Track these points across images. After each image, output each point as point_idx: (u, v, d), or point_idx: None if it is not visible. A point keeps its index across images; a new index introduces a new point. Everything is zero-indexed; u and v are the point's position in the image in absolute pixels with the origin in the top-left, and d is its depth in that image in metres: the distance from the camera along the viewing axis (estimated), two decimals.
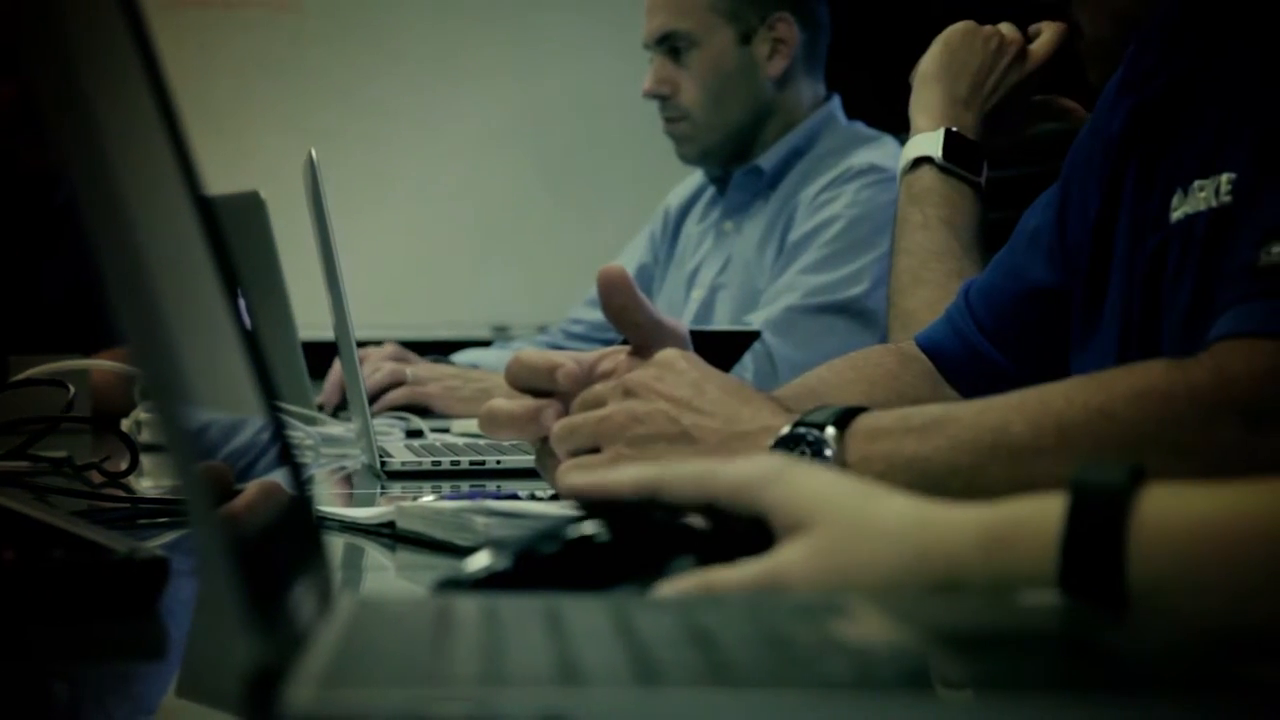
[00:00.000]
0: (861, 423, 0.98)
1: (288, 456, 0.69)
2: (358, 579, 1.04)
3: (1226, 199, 1.05)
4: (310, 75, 3.89)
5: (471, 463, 1.55)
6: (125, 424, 1.78)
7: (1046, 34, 1.61)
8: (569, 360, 1.10)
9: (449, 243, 3.97)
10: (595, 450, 1.04)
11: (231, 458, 0.61)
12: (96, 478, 1.46)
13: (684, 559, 0.68)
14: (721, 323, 2.47)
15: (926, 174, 1.59)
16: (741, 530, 0.69)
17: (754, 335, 2.22)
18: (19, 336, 2.29)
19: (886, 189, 2.31)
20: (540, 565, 0.68)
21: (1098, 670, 0.54)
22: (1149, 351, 1.10)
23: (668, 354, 1.06)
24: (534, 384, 1.11)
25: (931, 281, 1.51)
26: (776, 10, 2.50)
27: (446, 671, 0.51)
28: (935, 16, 1.71)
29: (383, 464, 1.55)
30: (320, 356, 2.21)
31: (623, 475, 0.72)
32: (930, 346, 1.36)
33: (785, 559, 0.66)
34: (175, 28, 3.71)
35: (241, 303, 0.67)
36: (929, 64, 1.64)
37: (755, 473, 0.69)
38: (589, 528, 0.69)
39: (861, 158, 2.43)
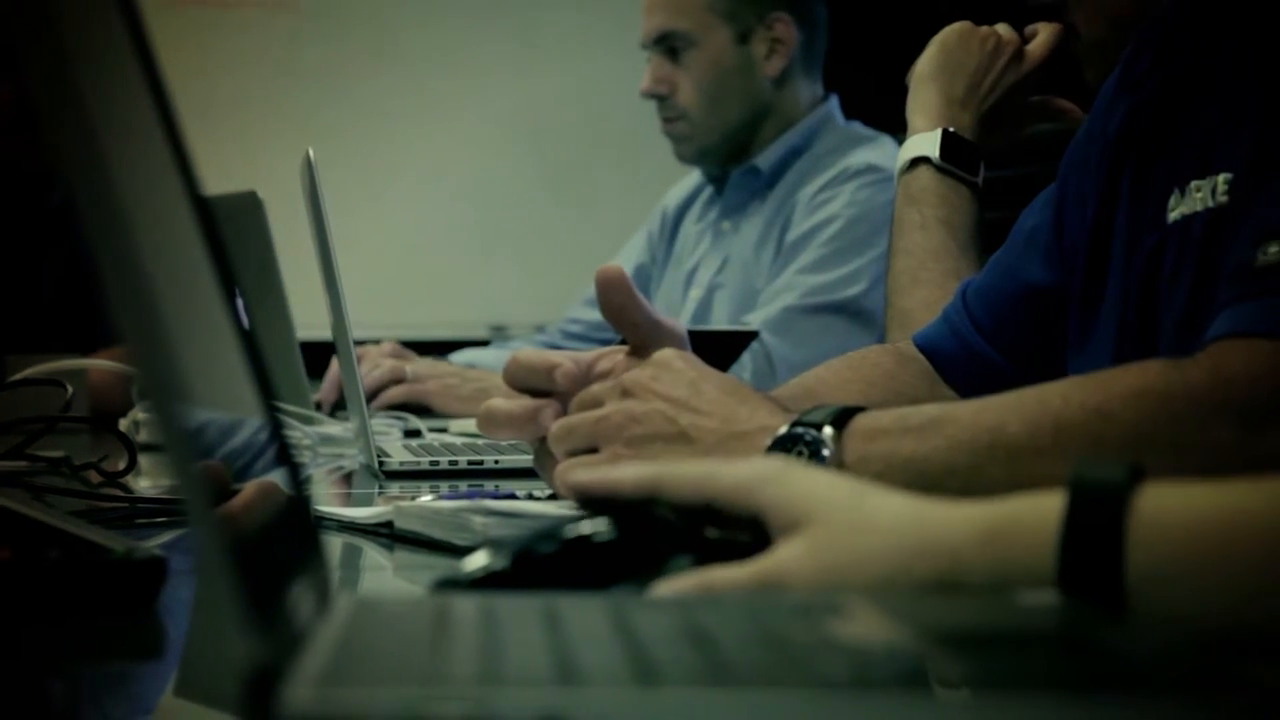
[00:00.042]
0: (859, 423, 0.98)
1: (286, 456, 0.69)
2: (356, 579, 1.04)
3: (1223, 199, 1.05)
4: (308, 75, 3.89)
5: (469, 462, 1.55)
6: (123, 424, 1.78)
7: (1043, 35, 1.61)
8: (567, 360, 1.10)
9: (447, 242, 3.97)
10: (593, 450, 1.04)
11: (229, 457, 0.61)
12: (94, 477, 1.46)
13: (682, 558, 0.69)
14: (719, 322, 2.47)
15: (924, 174, 1.59)
16: (739, 530, 0.69)
17: (752, 335, 2.22)
18: (17, 336, 2.29)
19: (884, 189, 2.31)
20: (538, 565, 0.68)
21: (1096, 670, 0.54)
22: (1146, 351, 1.10)
23: (665, 354, 1.06)
24: (532, 384, 1.11)
25: (929, 281, 1.51)
26: (774, 10, 2.50)
27: (444, 671, 0.51)
28: (932, 17, 1.71)
29: (381, 464, 1.55)
30: (318, 356, 2.20)
31: (623, 474, 0.72)
32: (928, 346, 1.37)
33: (783, 557, 0.66)
34: (173, 27, 3.71)
35: (239, 302, 0.67)
36: (926, 64, 1.64)
37: (754, 473, 0.69)
38: (587, 527, 0.69)
39: (859, 157, 2.44)
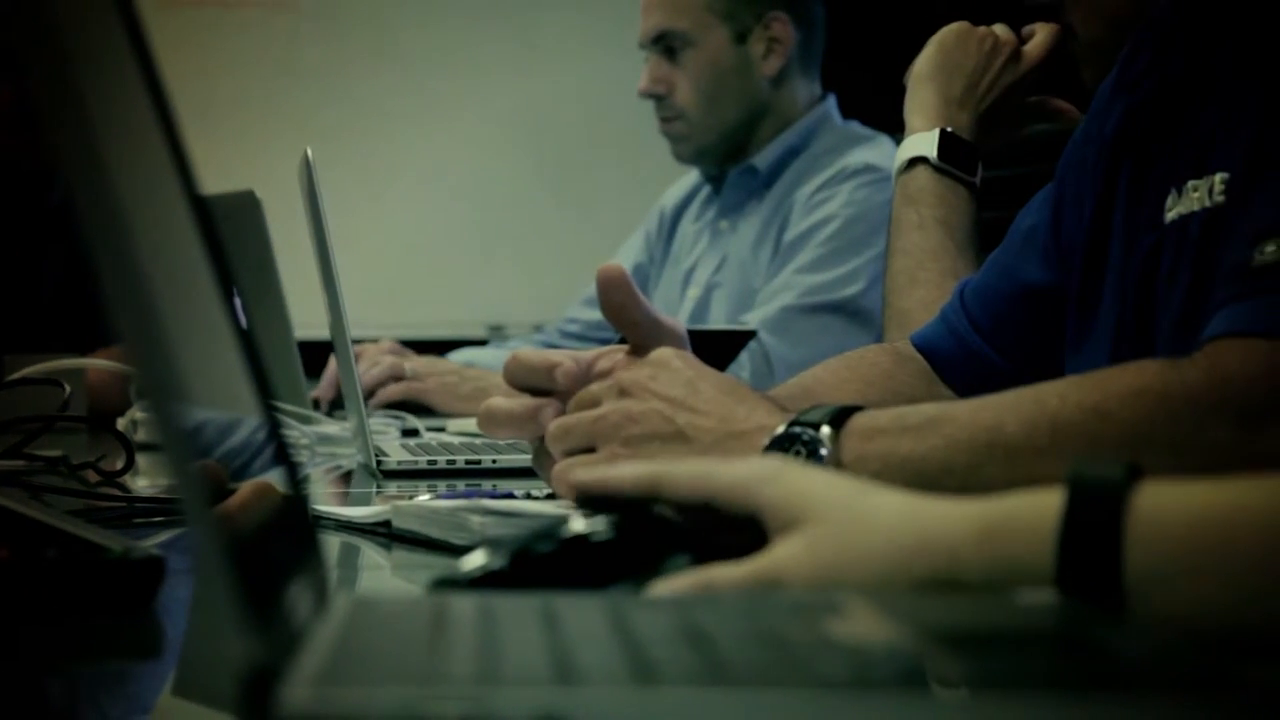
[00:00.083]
0: (857, 422, 0.98)
1: (283, 455, 0.69)
2: (353, 578, 1.04)
3: (1220, 199, 1.05)
4: (306, 74, 3.89)
5: (467, 462, 1.55)
6: (121, 423, 1.78)
7: (1040, 35, 1.62)
8: (567, 359, 1.10)
9: (445, 241, 3.97)
10: (591, 450, 1.04)
11: (227, 457, 0.61)
12: (92, 477, 1.46)
13: (680, 557, 0.69)
14: (717, 322, 2.47)
15: (921, 174, 1.59)
16: (738, 529, 0.69)
17: (750, 334, 2.22)
18: (15, 336, 2.28)
19: (882, 189, 2.31)
20: (536, 564, 0.68)
21: (1094, 669, 0.54)
22: (1143, 351, 1.10)
23: (662, 353, 1.06)
24: (532, 383, 1.11)
25: (927, 281, 1.52)
26: (772, 9, 2.50)
27: (442, 671, 0.51)
28: (930, 17, 1.71)
29: (379, 463, 1.55)
30: (316, 356, 2.21)
31: (622, 473, 0.72)
32: (925, 346, 1.37)
33: (781, 556, 0.66)
34: (172, 27, 3.71)
35: (237, 302, 0.67)
36: (924, 64, 1.64)
37: (752, 472, 0.70)
38: (585, 526, 0.69)
39: (857, 157, 2.44)
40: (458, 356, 2.62)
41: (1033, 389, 0.97)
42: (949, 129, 1.59)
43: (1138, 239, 1.15)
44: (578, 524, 0.69)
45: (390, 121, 3.93)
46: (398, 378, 2.34)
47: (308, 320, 2.06)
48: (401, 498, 1.17)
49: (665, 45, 2.51)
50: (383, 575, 1.08)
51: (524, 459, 1.20)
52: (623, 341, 1.12)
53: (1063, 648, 0.57)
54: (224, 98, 3.77)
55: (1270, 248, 0.97)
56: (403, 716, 0.46)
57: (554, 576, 0.68)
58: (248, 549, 0.53)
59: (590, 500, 0.72)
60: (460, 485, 1.47)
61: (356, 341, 1.87)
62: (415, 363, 2.39)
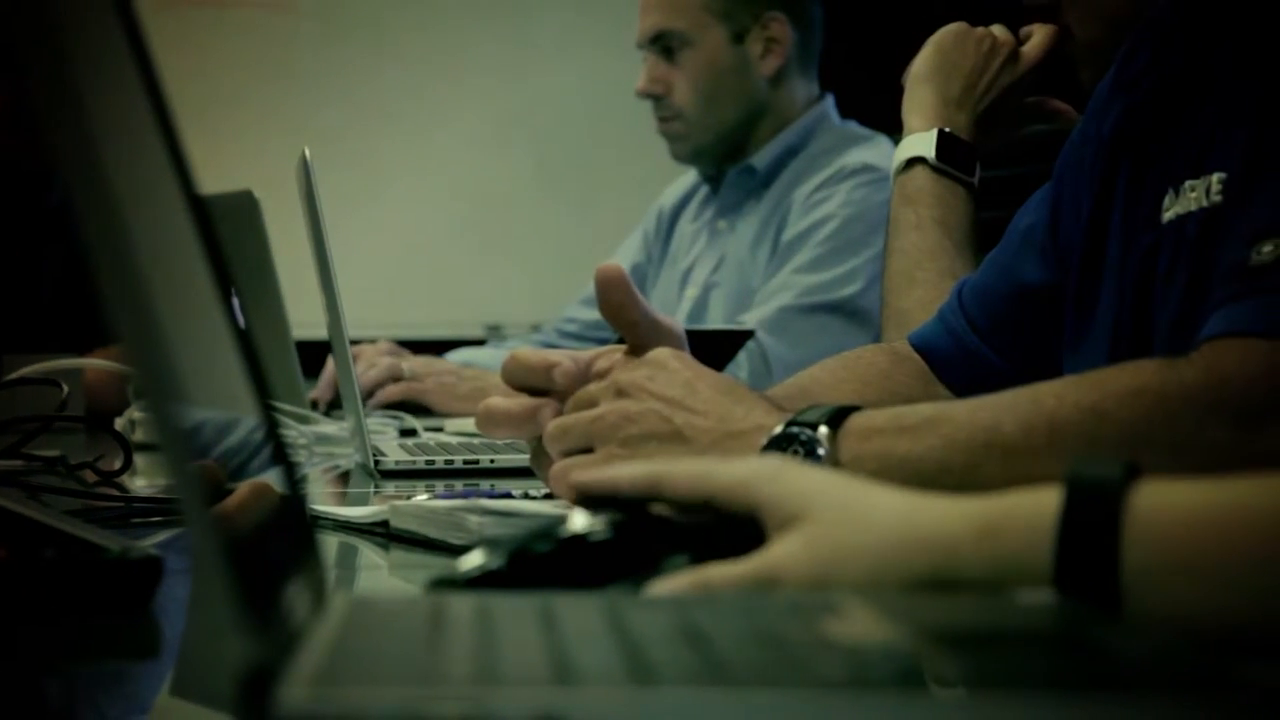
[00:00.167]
0: (854, 422, 0.98)
1: (281, 455, 0.69)
2: (351, 578, 1.04)
3: (1217, 199, 1.05)
4: (304, 74, 3.89)
5: (465, 462, 1.55)
6: (119, 423, 1.78)
7: (1038, 36, 1.62)
8: (566, 359, 1.10)
9: (443, 242, 3.97)
10: (588, 450, 1.04)
11: (225, 456, 0.61)
12: (90, 477, 1.46)
13: (678, 557, 0.69)
14: (715, 322, 2.47)
15: (920, 174, 1.59)
16: (737, 528, 0.69)
17: (748, 334, 2.22)
18: (13, 335, 2.28)
19: (880, 189, 2.31)
20: (534, 564, 0.68)
21: (1092, 669, 0.54)
22: (1141, 351, 1.10)
23: (660, 353, 1.06)
24: (530, 382, 1.11)
25: (925, 281, 1.52)
26: (769, 9, 2.50)
27: (440, 671, 0.51)
28: (928, 17, 1.71)
29: (376, 463, 1.55)
30: (314, 356, 2.21)
31: (622, 473, 0.72)
32: (923, 345, 1.37)
33: (779, 553, 0.66)
34: (170, 27, 3.70)
35: (235, 302, 0.67)
36: (922, 65, 1.64)
37: (751, 471, 0.70)
38: (583, 526, 0.69)
39: (855, 157, 2.44)
40: (455, 356, 2.62)
41: (1030, 389, 0.97)
42: (947, 129, 1.59)
43: (1135, 239, 1.15)
44: (576, 524, 0.69)
45: (388, 121, 3.93)
46: (396, 378, 2.34)
47: (305, 320, 2.06)
48: (399, 498, 1.17)
49: (663, 45, 2.51)
50: (380, 575, 1.08)
51: (522, 459, 1.20)
52: (621, 341, 1.12)
53: (1060, 647, 0.57)
54: (222, 98, 3.77)
55: (1268, 247, 0.97)
56: (401, 716, 0.46)
57: (552, 576, 0.68)
58: (245, 549, 0.53)
59: (589, 500, 0.72)
60: (458, 485, 1.47)
61: (354, 342, 1.87)
62: (413, 363, 2.39)
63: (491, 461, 1.54)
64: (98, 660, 0.78)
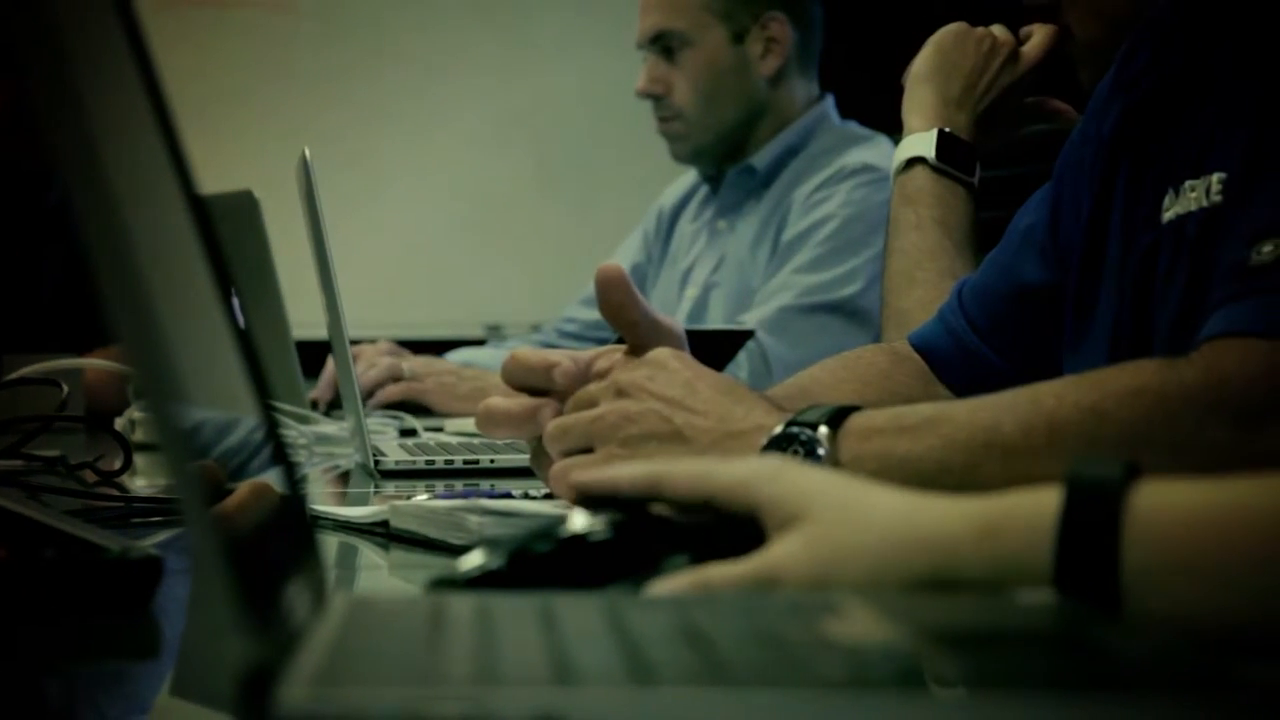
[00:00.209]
0: (854, 422, 0.98)
1: (281, 455, 0.69)
2: (351, 578, 1.04)
3: (1217, 199, 1.05)
4: (304, 74, 3.89)
5: (465, 461, 1.55)
6: (119, 423, 1.78)
7: (1038, 36, 1.62)
8: (566, 359, 1.10)
9: (443, 241, 3.97)
10: (588, 450, 1.04)
11: (225, 456, 0.61)
12: (90, 477, 1.46)
13: (678, 557, 0.69)
14: (715, 322, 2.47)
15: (920, 174, 1.59)
16: (737, 528, 0.69)
17: (748, 334, 2.22)
18: (13, 335, 2.28)
19: (880, 188, 2.31)
20: (534, 564, 0.68)
21: (1093, 669, 0.54)
22: (1140, 351, 1.10)
23: (660, 353, 1.06)
24: (530, 382, 1.11)
25: (925, 281, 1.52)
26: (769, 9, 2.50)
27: (440, 671, 0.51)
28: (928, 17, 1.71)
29: (376, 463, 1.55)
30: (314, 355, 2.21)
31: (622, 473, 0.72)
32: (923, 345, 1.37)
33: (779, 553, 0.66)
34: (170, 27, 3.70)
35: (235, 301, 0.67)
36: (922, 65, 1.64)
37: (751, 471, 0.70)
38: (583, 526, 0.69)
39: (855, 157, 2.44)
40: (455, 356, 2.62)
41: (1030, 389, 0.97)
42: (947, 129, 1.59)
43: (1135, 239, 1.15)
44: (576, 524, 0.69)
45: (388, 121, 3.93)
46: (395, 378, 2.34)
47: (305, 320, 2.06)
48: (399, 498, 1.17)
49: (663, 45, 2.51)
50: (380, 575, 1.08)
51: (522, 459, 1.20)
52: (620, 341, 1.12)
53: (1060, 647, 0.57)
54: (222, 97, 3.77)
55: (1267, 247, 0.97)
56: (401, 716, 0.47)
57: (552, 576, 0.68)
58: (245, 549, 0.53)
59: (589, 500, 0.72)
60: (458, 485, 1.47)
61: (354, 341, 1.87)
62: (413, 363, 2.39)
63: (491, 461, 1.54)
64: (98, 660, 0.78)
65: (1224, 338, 0.95)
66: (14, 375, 1.77)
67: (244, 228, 2.04)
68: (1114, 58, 1.23)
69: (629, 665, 0.51)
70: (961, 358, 1.34)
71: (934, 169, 1.58)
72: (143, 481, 1.49)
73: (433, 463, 1.55)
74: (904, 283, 1.54)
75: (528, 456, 1.13)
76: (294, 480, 0.69)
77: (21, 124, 2.48)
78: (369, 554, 1.10)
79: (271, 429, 0.68)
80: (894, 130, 1.69)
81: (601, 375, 1.09)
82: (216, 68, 3.81)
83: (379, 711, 0.47)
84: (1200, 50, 1.13)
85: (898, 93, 1.67)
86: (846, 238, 2.36)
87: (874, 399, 1.23)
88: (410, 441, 1.83)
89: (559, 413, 1.08)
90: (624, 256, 2.69)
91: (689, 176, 2.71)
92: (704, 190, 2.65)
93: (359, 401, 1.61)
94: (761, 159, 2.52)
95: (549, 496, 1.11)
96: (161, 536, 1.14)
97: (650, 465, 0.72)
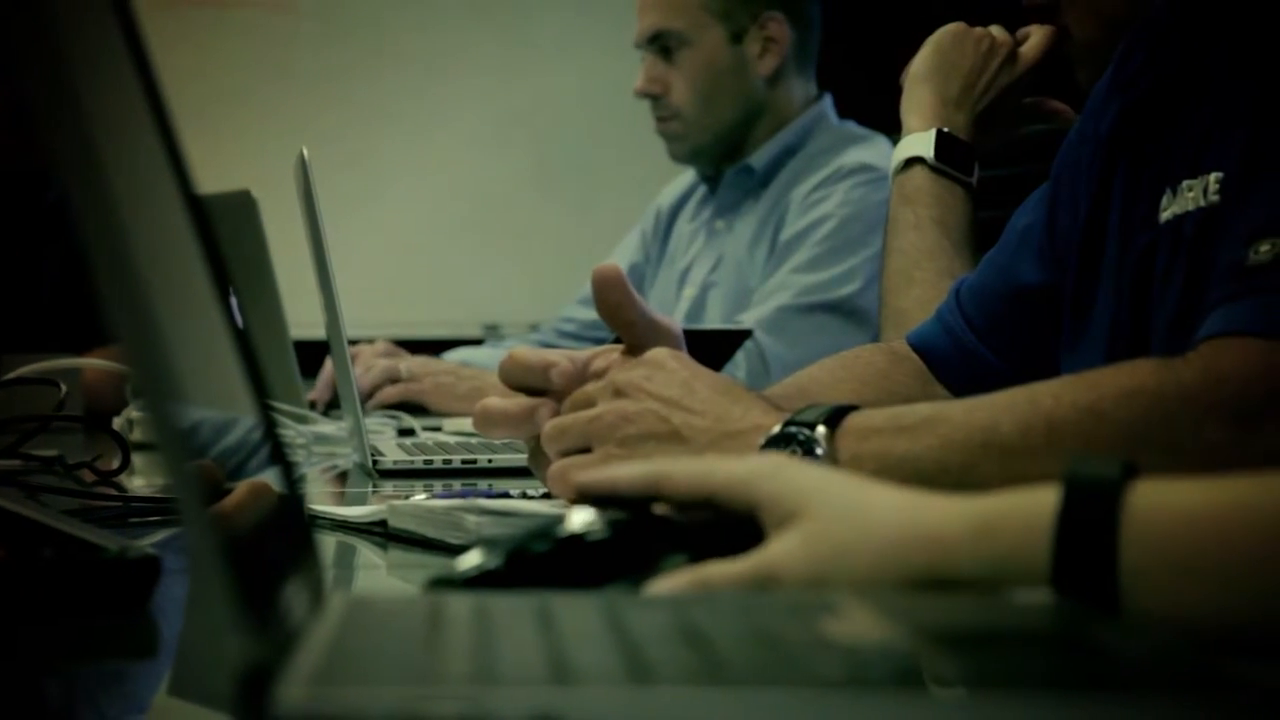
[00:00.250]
0: (852, 422, 0.98)
1: (279, 455, 0.69)
2: (349, 577, 1.04)
3: (1214, 198, 1.05)
4: (302, 74, 3.89)
5: (463, 461, 1.55)
6: (117, 423, 1.78)
7: (1036, 37, 1.62)
8: (563, 359, 1.10)
9: (441, 241, 3.97)
10: (586, 450, 1.04)
11: (223, 456, 0.61)
12: (88, 476, 1.46)
13: (676, 556, 0.69)
14: (713, 321, 2.47)
15: (918, 174, 1.59)
16: (736, 526, 0.69)
17: (746, 334, 2.22)
18: (11, 335, 2.28)
19: (878, 188, 2.31)
20: (532, 564, 0.68)
21: (1091, 668, 0.54)
22: (1138, 351, 1.10)
23: (657, 353, 1.06)
24: (528, 382, 1.11)
25: (923, 281, 1.52)
26: (768, 9, 2.50)
27: (438, 670, 0.51)
28: (927, 17, 1.71)
29: (374, 462, 1.55)
30: (312, 355, 2.20)
31: (624, 472, 0.72)
32: (921, 345, 1.37)
33: (777, 551, 0.66)
34: (169, 27, 3.70)
35: (233, 301, 0.67)
36: (920, 65, 1.64)
37: (751, 469, 0.70)
38: (580, 525, 0.69)
39: (853, 157, 2.44)
40: (453, 356, 2.62)
41: (1027, 389, 0.97)
42: (946, 129, 1.59)
43: (1133, 239, 1.15)
44: (574, 523, 0.69)
45: (386, 121, 3.93)
46: (393, 380, 2.34)
47: (303, 320, 2.06)
48: (397, 497, 1.17)
49: (661, 45, 2.51)
50: (379, 575, 1.08)
51: (520, 458, 1.20)
52: (618, 341, 1.12)
53: (1058, 647, 0.57)
54: (220, 97, 3.77)
55: (1265, 247, 0.97)
56: (398, 716, 0.47)
57: (550, 576, 0.68)
58: (243, 548, 0.53)
59: (589, 499, 0.72)
60: (456, 485, 1.47)
61: (352, 341, 1.87)
62: (410, 363, 2.39)
63: (489, 461, 1.54)
64: (96, 660, 0.78)
65: (1221, 337, 0.95)
66: (12, 375, 1.77)
67: (242, 227, 2.04)
68: (1111, 58, 1.23)
69: (627, 665, 0.51)
70: (959, 357, 1.34)
71: (932, 169, 1.58)
72: (141, 481, 1.49)
73: (431, 462, 1.55)
74: (902, 282, 1.54)
75: (525, 456, 1.13)
76: (292, 480, 0.69)
77: (20, 123, 2.47)
78: (367, 553, 1.10)
79: (269, 428, 0.68)
80: (892, 130, 1.69)
81: (599, 375, 1.09)
82: (216, 67, 3.81)
83: (377, 711, 0.47)
84: (1197, 50, 1.13)
85: (896, 92, 1.67)
86: (844, 237, 2.36)
87: (872, 399, 1.23)
88: (408, 441, 1.83)
89: (556, 413, 1.08)
90: (622, 256, 2.69)
91: (687, 176, 2.71)
92: (702, 190, 2.65)
93: (357, 401, 1.61)
94: (759, 159, 2.52)
95: (547, 496, 1.11)
96: (159, 536, 1.14)
97: (650, 465, 0.72)
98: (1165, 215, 1.10)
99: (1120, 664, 0.55)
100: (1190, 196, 1.08)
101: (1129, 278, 1.14)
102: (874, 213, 2.24)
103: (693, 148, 2.55)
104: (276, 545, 0.62)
